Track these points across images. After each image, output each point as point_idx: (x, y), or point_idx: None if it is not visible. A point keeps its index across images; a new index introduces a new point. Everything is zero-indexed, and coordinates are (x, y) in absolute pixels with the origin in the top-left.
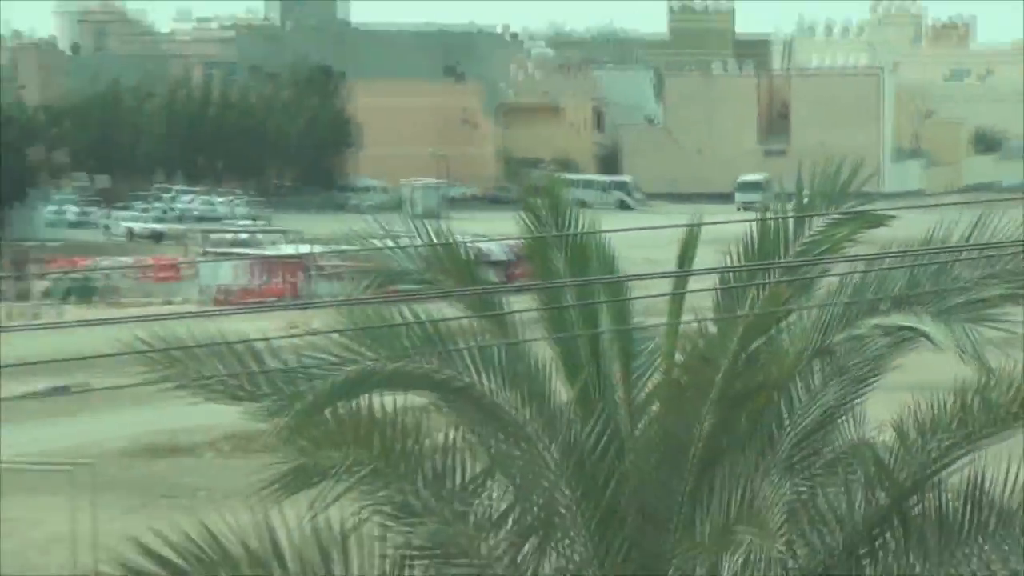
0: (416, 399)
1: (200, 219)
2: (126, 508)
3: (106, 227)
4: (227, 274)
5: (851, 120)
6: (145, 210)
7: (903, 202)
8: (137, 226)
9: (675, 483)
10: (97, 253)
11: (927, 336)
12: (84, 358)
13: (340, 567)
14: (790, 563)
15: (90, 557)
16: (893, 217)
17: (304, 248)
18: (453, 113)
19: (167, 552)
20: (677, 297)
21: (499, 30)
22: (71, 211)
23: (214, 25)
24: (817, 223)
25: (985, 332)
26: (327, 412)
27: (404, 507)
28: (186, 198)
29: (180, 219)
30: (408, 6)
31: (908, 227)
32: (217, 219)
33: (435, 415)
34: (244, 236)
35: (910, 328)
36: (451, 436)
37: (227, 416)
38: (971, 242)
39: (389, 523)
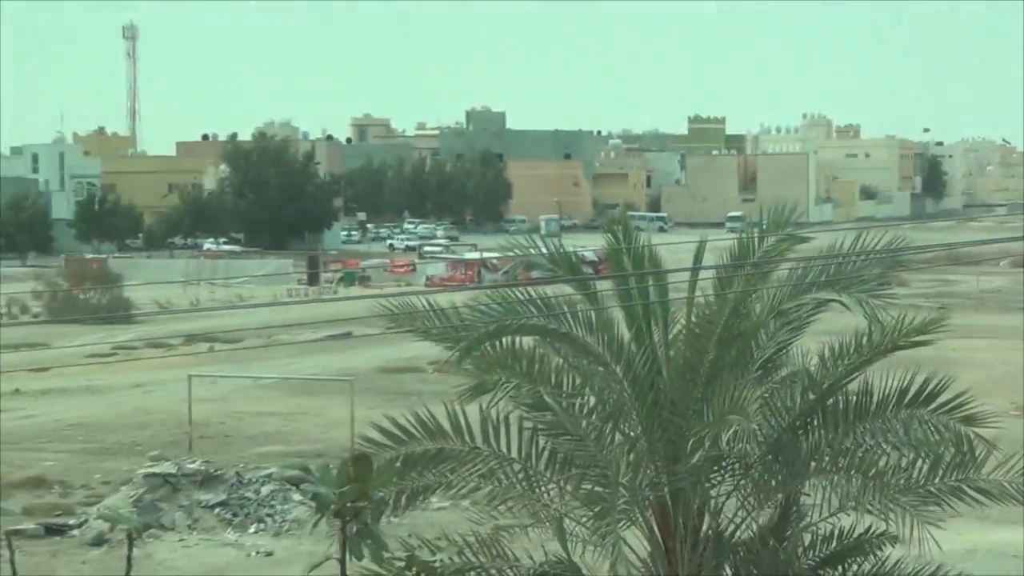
0: (530, 341)
1: (423, 238)
2: (374, 405)
3: (386, 241)
4: (437, 269)
5: (791, 182)
6: (398, 233)
7: (821, 228)
8: (395, 242)
9: (692, 389)
10: (364, 257)
11: (842, 303)
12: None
13: (496, 440)
14: (759, 436)
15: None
16: (813, 237)
17: (478, 254)
18: (567, 179)
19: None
20: (693, 282)
21: (593, 131)
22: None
23: (432, 129)
24: (770, 240)
25: (872, 300)
26: (486, 347)
27: (536, 404)
28: (415, 226)
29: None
30: (543, 116)
31: (824, 242)
32: (432, 238)
33: (548, 351)
34: (444, 246)
35: (832, 299)
36: (559, 362)
37: (434, 350)
38: (858, 250)
39: (526, 413)
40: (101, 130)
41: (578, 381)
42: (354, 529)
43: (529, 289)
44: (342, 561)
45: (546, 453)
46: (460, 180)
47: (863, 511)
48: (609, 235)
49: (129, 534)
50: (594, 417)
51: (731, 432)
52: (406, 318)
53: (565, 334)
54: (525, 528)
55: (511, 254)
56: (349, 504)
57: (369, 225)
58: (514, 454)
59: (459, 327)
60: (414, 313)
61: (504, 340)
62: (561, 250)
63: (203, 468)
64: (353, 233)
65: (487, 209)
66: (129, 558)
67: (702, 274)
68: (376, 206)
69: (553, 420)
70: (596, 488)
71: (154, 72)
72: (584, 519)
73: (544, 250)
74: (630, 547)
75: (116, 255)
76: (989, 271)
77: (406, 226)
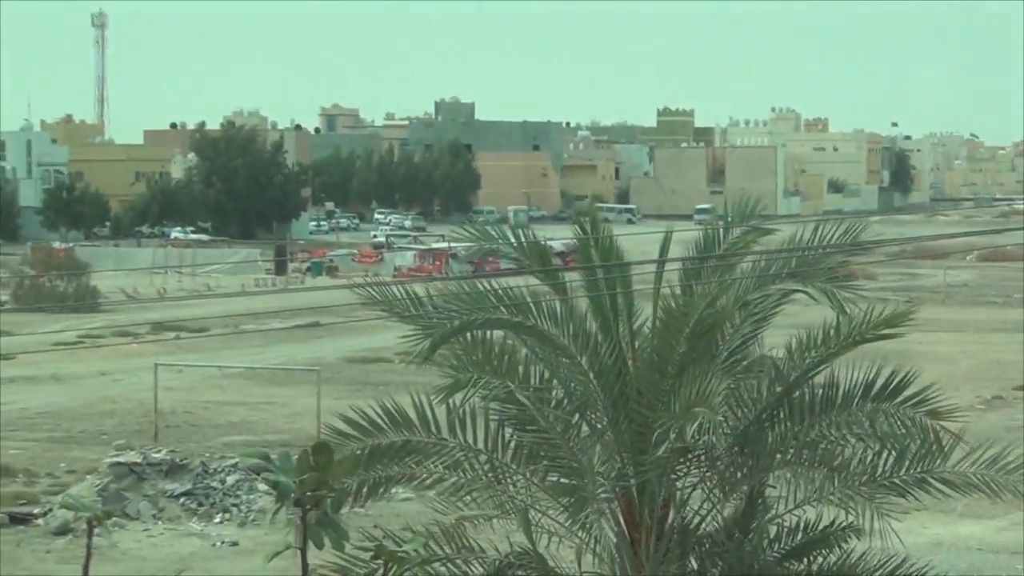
0: (498, 333)
1: (404, 229)
2: (340, 395)
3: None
4: (405, 260)
5: (759, 175)
6: (384, 223)
7: (787, 220)
8: (378, 233)
9: (659, 381)
10: (333, 248)
11: (807, 293)
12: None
13: (463, 432)
14: (726, 428)
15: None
16: (777, 229)
17: (446, 245)
18: (535, 170)
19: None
20: (659, 273)
21: (562, 123)
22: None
23: (401, 119)
24: (735, 232)
25: (840, 292)
26: (454, 341)
27: (504, 397)
28: (385, 216)
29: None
30: (512, 107)
31: (792, 233)
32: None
33: (516, 343)
34: (412, 235)
35: (796, 289)
36: (526, 355)
37: (399, 341)
38: (821, 242)
39: (493, 406)
40: (69, 118)
41: (546, 374)
42: (314, 518)
43: (494, 281)
44: (303, 550)
45: (513, 445)
46: (428, 170)
47: (827, 503)
48: (577, 226)
49: (89, 522)
50: (562, 409)
51: (696, 424)
52: (383, 304)
53: (532, 327)
54: (490, 519)
55: (461, 243)
56: (309, 493)
57: (349, 216)
58: (480, 446)
59: (430, 315)
60: (387, 300)
61: (473, 332)
62: (531, 240)
63: (169, 457)
64: (323, 223)
65: (456, 200)
66: (89, 546)
67: (669, 266)
68: (344, 196)
69: (520, 412)
70: (563, 480)
71: (123, 60)
72: (550, 510)
73: (515, 241)
74: (594, 538)
75: (83, 243)
76: (956, 265)
77: (376, 217)
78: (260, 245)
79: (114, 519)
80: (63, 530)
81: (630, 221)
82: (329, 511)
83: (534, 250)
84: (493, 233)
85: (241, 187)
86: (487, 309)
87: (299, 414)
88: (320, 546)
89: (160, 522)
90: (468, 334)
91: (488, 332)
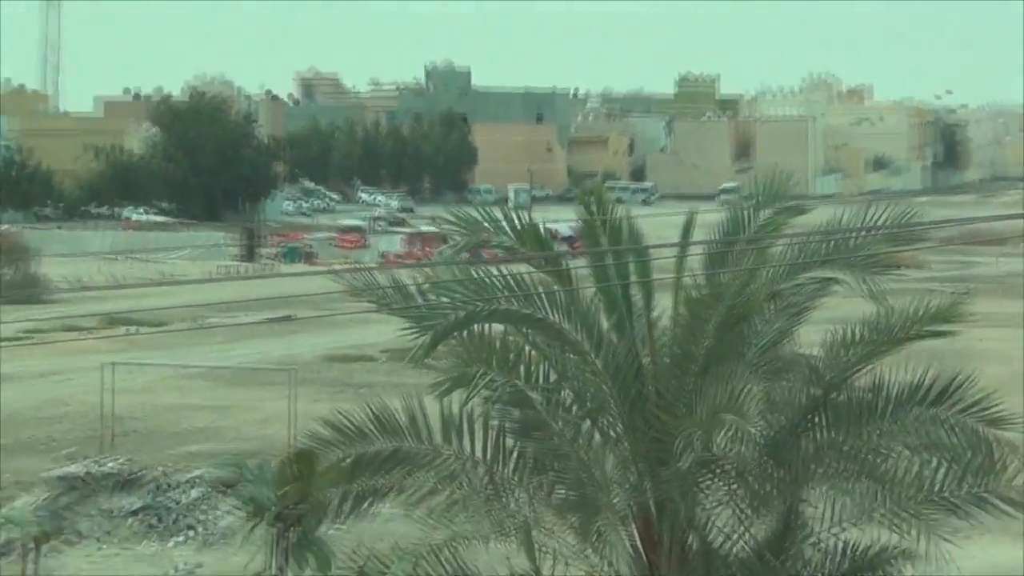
0: (497, 329)
1: (404, 209)
2: (319, 397)
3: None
4: (392, 245)
5: (791, 150)
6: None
7: (823, 201)
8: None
9: (681, 382)
10: (310, 230)
11: (843, 282)
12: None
13: (460, 440)
14: (757, 437)
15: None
16: (811, 208)
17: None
18: (539, 145)
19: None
20: (681, 260)
21: (569, 91)
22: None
23: (388, 87)
24: (765, 213)
25: (881, 282)
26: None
27: (506, 400)
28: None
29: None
30: (512, 74)
31: (828, 216)
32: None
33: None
34: (403, 217)
35: (831, 277)
36: (531, 352)
37: (387, 337)
38: (864, 225)
39: (493, 411)
40: (21, 88)
41: (554, 375)
42: (293, 537)
43: (497, 269)
44: (281, 573)
45: (515, 455)
46: (418, 144)
47: (873, 523)
48: (584, 207)
49: (25, 545)
50: (572, 414)
51: (725, 432)
52: (368, 294)
53: (541, 320)
54: (487, 539)
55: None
56: (290, 508)
57: (322, 194)
58: (479, 455)
59: (427, 307)
60: (372, 289)
61: (474, 328)
62: (529, 224)
63: (122, 469)
64: (302, 202)
65: (449, 177)
66: (36, 571)
67: (690, 253)
68: (324, 173)
69: (525, 417)
70: (571, 494)
71: (77, 22)
72: (557, 529)
73: (512, 225)
74: (608, 562)
75: (28, 226)
76: (1013, 252)
77: (361, 195)
78: (227, 228)
79: (57, 540)
80: (5, 550)
81: (646, 202)
82: (310, 529)
83: (532, 236)
84: (480, 216)
85: (207, 162)
86: (489, 299)
87: (270, 420)
88: (303, 568)
89: (109, 544)
90: (466, 329)
91: (487, 328)
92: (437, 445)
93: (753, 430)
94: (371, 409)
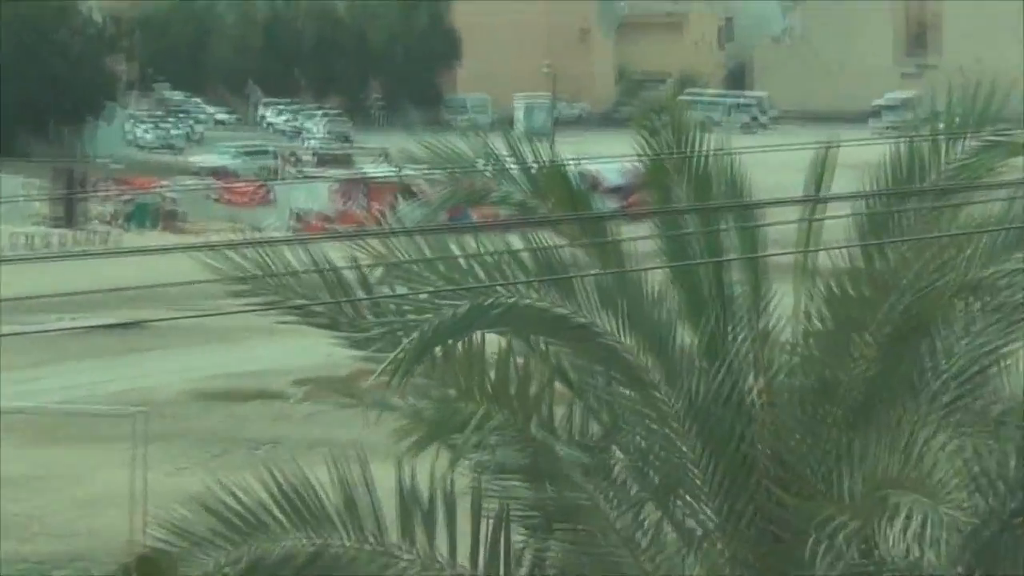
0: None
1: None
2: (188, 461)
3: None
4: (315, 199)
5: (997, 40)
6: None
7: None
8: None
9: (818, 438)
10: (172, 175)
11: None
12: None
13: (428, 533)
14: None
15: (144, 516)
16: None
17: (389, 168)
18: (566, 26)
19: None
20: (811, 227)
21: None
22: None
23: None
24: (960, 147)
25: None
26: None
27: (517, 461)
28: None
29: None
30: None
31: None
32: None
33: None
34: (335, 152)
35: None
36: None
37: (298, 359)
38: None
39: (487, 484)
40: None
41: (597, 425)
42: None
43: (500, 240)
44: None
45: (528, 561)
46: (362, 29)
47: None
48: (648, 136)
49: None
50: (626, 492)
51: (903, 524)
52: (276, 290)
53: (577, 329)
54: None
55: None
56: None
57: (213, 112)
58: (463, 558)
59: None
60: (279, 278)
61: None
62: (551, 162)
63: None
64: (160, 126)
65: (414, 84)
66: None
67: (826, 216)
68: (198, 76)
69: (544, 496)
70: None
71: None
72: None
73: (516, 163)
74: None
75: None
76: None
77: (262, 111)
78: (34, 169)
79: None
80: None
81: (753, 123)
82: None
83: (557, 185)
84: (467, 148)
85: (4, 63)
86: (486, 293)
87: (103, 500)
88: None
89: None
90: (449, 343)
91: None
92: (391, 545)
93: (952, 514)
94: (276, 481)
